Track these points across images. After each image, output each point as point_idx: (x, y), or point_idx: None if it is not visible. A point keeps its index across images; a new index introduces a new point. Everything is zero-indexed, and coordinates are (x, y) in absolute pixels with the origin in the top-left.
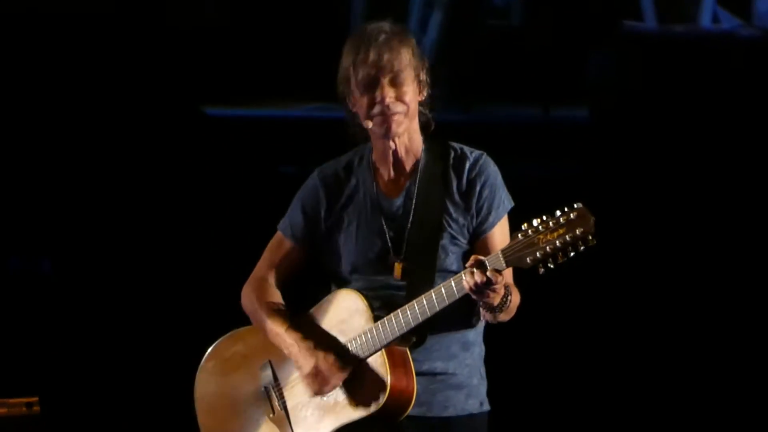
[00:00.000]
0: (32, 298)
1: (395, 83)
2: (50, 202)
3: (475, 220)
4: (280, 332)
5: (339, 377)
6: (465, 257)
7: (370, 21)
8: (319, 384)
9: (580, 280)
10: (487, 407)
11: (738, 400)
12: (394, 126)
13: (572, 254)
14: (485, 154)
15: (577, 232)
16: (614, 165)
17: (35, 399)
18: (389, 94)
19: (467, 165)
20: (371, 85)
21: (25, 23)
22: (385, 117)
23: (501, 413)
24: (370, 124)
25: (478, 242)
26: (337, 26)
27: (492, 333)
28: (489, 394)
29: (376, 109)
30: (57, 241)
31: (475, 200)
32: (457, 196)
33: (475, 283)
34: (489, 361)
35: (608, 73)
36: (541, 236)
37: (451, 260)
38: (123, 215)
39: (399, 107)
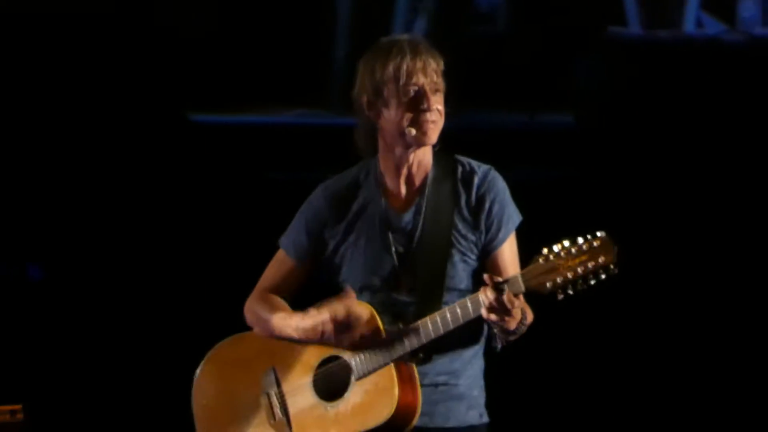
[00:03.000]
0: (16, 304)
1: (435, 92)
2: (36, 207)
3: (484, 237)
4: (283, 322)
5: (330, 332)
6: (474, 274)
7: (387, 35)
8: (319, 337)
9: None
10: (486, 419)
11: (733, 399)
12: (432, 134)
13: (593, 282)
14: (493, 168)
15: (600, 260)
16: (600, 169)
17: (19, 407)
18: (432, 101)
19: (476, 180)
20: (416, 95)
21: (9, 25)
22: (426, 124)
23: (499, 424)
24: (413, 132)
25: (488, 259)
26: (322, 34)
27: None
28: (487, 406)
29: (420, 117)
30: (44, 246)
31: (484, 216)
32: (466, 212)
33: (492, 306)
34: (487, 373)
35: (594, 78)
36: (563, 262)
37: (461, 277)
38: (110, 221)
39: (437, 116)
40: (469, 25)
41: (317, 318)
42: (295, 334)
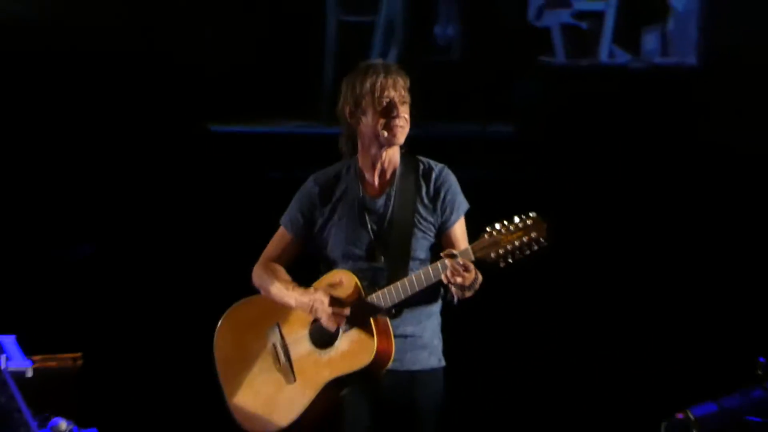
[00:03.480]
0: (75, 274)
1: (403, 103)
2: (88, 200)
3: (440, 219)
4: (286, 292)
5: (326, 310)
6: (432, 248)
7: (352, 53)
8: (314, 313)
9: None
10: (443, 363)
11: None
12: (400, 135)
13: (528, 253)
14: (446, 167)
15: (533, 235)
16: (534, 169)
17: (79, 355)
18: (400, 110)
19: (434, 175)
20: (387, 105)
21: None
22: (396, 128)
23: (453, 368)
24: (385, 135)
25: (443, 236)
26: (314, 62)
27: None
28: (444, 353)
29: (390, 122)
30: (95, 230)
31: (440, 203)
32: (426, 200)
33: (453, 271)
34: (443, 328)
35: (529, 97)
36: (503, 237)
37: (422, 249)
38: (146, 208)
39: (404, 122)
40: (430, 54)
41: (312, 296)
42: (293, 305)
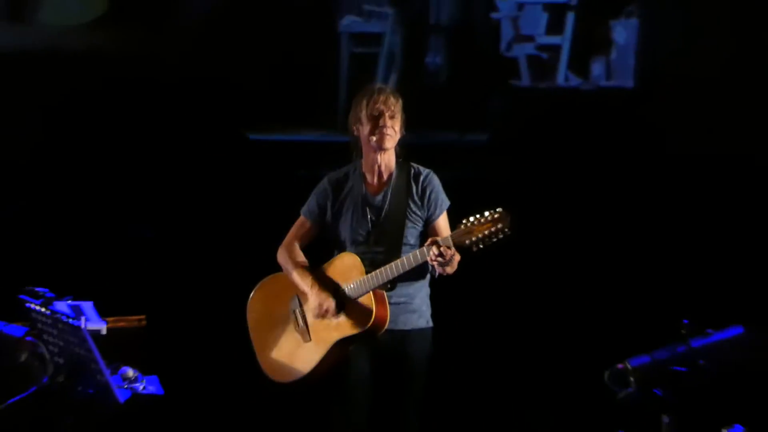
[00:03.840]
0: (139, 250)
1: (392, 118)
2: (151, 192)
3: (426, 213)
4: (302, 279)
5: (333, 312)
6: (420, 235)
7: (361, 77)
8: (320, 314)
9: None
10: (431, 324)
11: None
12: (386, 142)
13: (495, 240)
14: (432, 171)
15: (499, 226)
16: (504, 172)
17: (143, 317)
18: (388, 122)
19: (421, 178)
20: (377, 116)
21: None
22: (382, 135)
23: (439, 329)
24: (373, 140)
25: (429, 227)
26: (330, 84)
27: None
28: (432, 316)
29: (379, 130)
30: (155, 217)
31: (426, 201)
32: (416, 197)
33: (436, 254)
34: (432, 297)
35: (501, 112)
36: (476, 227)
37: (412, 236)
38: (196, 199)
39: (391, 131)
40: (422, 78)
41: (322, 297)
42: (303, 287)
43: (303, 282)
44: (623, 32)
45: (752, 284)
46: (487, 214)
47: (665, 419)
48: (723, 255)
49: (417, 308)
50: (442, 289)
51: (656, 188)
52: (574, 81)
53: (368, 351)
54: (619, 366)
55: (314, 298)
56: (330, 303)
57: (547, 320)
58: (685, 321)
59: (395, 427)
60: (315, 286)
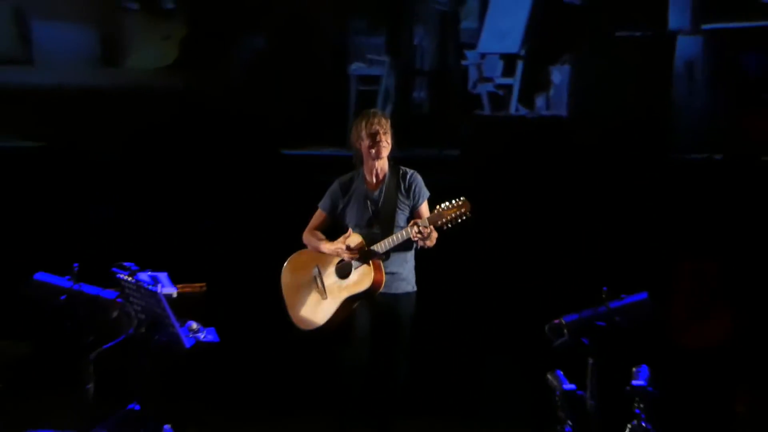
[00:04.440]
0: (199, 238)
1: (385, 134)
2: (213, 193)
3: (412, 203)
4: (325, 244)
5: (345, 252)
6: (407, 220)
7: (365, 108)
8: (339, 255)
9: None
10: (415, 289)
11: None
12: (383, 152)
13: (460, 221)
14: (416, 172)
15: (462, 210)
16: (471, 179)
17: (204, 284)
18: (383, 138)
19: (408, 177)
20: (374, 134)
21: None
22: (379, 147)
23: (421, 293)
24: (373, 152)
25: (414, 212)
26: (342, 112)
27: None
28: (417, 283)
29: (376, 144)
30: (212, 212)
31: (412, 193)
32: (403, 191)
33: (417, 231)
34: (417, 267)
35: (469, 134)
36: (445, 211)
37: (401, 220)
38: (247, 199)
39: (385, 144)
40: (410, 109)
41: (336, 246)
42: (326, 251)
43: (326, 246)
44: (559, 75)
45: (655, 260)
46: (453, 201)
47: (590, 361)
48: (632, 240)
49: (405, 277)
50: (423, 262)
51: (582, 188)
52: (523, 111)
53: (368, 308)
54: (556, 321)
55: (331, 247)
56: (341, 246)
57: (502, 286)
58: (605, 288)
59: (389, 366)
60: (329, 242)
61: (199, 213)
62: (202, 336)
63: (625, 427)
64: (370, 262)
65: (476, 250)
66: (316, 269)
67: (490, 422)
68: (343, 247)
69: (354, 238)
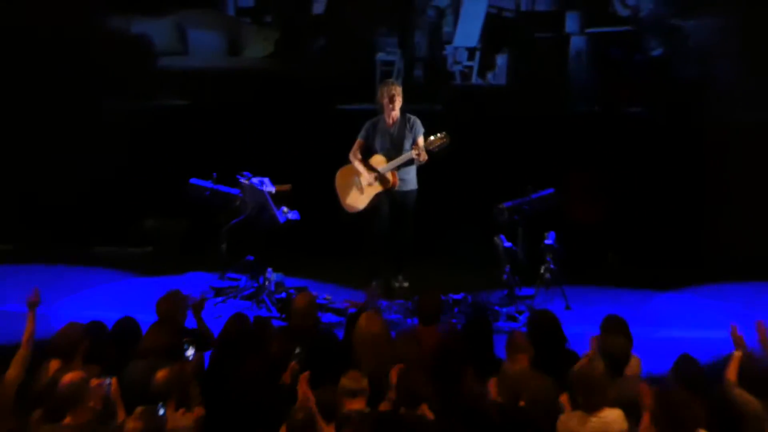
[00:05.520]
0: (290, 160)
1: (398, 95)
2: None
3: (413, 136)
4: (360, 165)
5: (369, 177)
6: (410, 146)
7: (385, 79)
8: (369, 178)
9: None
10: (416, 187)
11: None
12: (396, 106)
13: (444, 146)
14: (416, 117)
15: (444, 140)
16: (450, 124)
17: (290, 185)
18: (396, 98)
19: (411, 120)
20: (392, 95)
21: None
22: (394, 103)
23: (421, 191)
24: (390, 106)
25: (415, 141)
26: (371, 80)
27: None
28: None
29: (392, 100)
30: (293, 149)
31: (414, 130)
32: (408, 128)
33: (417, 153)
34: (418, 175)
35: (447, 97)
36: (435, 139)
37: (407, 146)
38: (311, 146)
39: (398, 101)
40: (412, 80)
41: (368, 172)
42: (358, 168)
43: (361, 167)
44: (501, 60)
45: (559, 171)
46: (438, 134)
47: (520, 230)
48: (542, 158)
49: (410, 180)
50: (422, 174)
51: (516, 129)
52: (479, 82)
53: (388, 200)
54: (499, 205)
55: (365, 172)
56: (370, 175)
57: (469, 188)
58: (529, 185)
59: (400, 232)
60: (363, 165)
61: (287, 147)
62: (291, 215)
63: (540, 268)
64: (390, 171)
65: (453, 166)
66: (357, 177)
67: (463, 265)
68: (370, 174)
69: (377, 158)
